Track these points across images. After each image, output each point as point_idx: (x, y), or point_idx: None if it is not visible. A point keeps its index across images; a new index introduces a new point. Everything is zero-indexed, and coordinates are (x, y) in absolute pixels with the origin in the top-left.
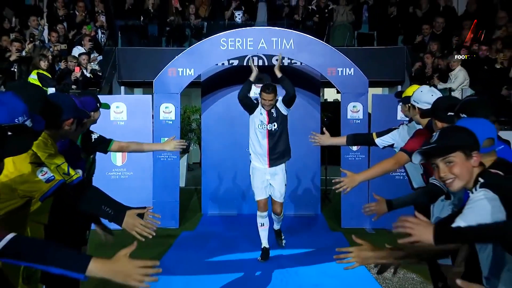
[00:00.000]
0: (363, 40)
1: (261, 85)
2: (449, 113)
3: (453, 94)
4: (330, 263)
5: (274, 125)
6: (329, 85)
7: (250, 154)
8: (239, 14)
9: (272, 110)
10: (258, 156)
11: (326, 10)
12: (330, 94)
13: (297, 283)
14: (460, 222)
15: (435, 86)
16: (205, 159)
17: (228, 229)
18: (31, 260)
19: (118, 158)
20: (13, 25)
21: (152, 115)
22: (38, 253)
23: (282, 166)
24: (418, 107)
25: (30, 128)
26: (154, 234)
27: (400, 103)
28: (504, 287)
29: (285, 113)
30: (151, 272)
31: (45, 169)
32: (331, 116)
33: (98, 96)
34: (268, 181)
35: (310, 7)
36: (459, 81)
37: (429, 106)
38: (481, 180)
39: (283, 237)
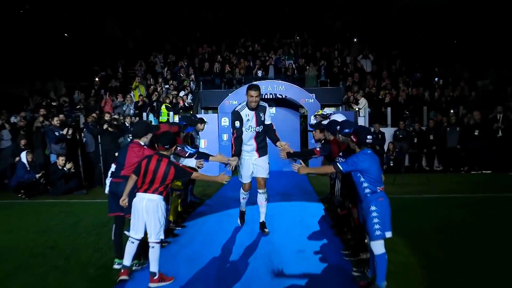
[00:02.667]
0: (322, 84)
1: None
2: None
3: (360, 111)
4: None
5: (261, 127)
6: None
7: None
8: (260, 71)
9: (261, 114)
10: (247, 152)
11: (302, 67)
12: None
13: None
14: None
15: (352, 107)
16: None
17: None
18: (200, 157)
19: (202, 144)
20: (151, 82)
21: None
22: (200, 155)
23: (266, 155)
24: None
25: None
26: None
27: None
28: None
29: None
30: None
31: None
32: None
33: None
34: (254, 164)
35: (295, 68)
36: (362, 104)
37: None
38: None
39: (266, 229)
